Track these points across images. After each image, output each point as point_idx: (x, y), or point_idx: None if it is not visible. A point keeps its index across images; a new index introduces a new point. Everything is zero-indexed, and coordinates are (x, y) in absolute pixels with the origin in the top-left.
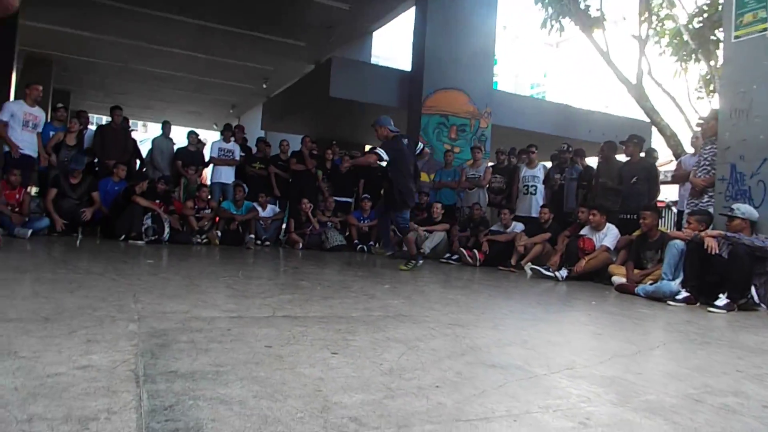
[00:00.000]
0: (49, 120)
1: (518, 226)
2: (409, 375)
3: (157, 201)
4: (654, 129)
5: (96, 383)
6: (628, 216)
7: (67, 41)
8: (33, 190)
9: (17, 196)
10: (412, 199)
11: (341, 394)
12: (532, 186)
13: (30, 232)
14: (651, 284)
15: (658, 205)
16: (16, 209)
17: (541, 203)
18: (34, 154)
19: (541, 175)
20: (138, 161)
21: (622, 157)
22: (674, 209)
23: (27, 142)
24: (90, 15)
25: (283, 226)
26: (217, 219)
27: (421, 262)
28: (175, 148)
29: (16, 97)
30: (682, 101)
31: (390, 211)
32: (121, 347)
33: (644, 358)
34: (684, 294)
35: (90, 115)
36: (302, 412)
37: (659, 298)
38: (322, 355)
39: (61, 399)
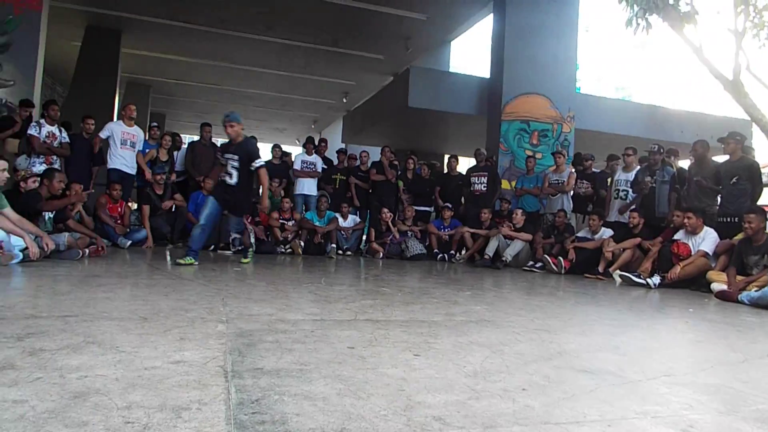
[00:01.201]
0: (146, 139)
1: (607, 232)
2: (494, 378)
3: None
4: (755, 127)
5: (188, 377)
6: (728, 219)
7: (163, 66)
8: (133, 205)
9: (119, 209)
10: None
11: (424, 394)
12: (623, 191)
13: (129, 242)
14: (756, 291)
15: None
16: (118, 221)
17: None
18: (133, 171)
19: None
20: None
21: (719, 158)
22: None
23: (125, 159)
24: (182, 40)
25: (364, 236)
26: (300, 230)
27: (251, 250)
28: None
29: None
30: None
31: (231, 214)
32: (211, 345)
33: (752, 367)
34: None
35: (182, 135)
36: (385, 410)
37: (766, 305)
38: (404, 357)
39: (157, 390)
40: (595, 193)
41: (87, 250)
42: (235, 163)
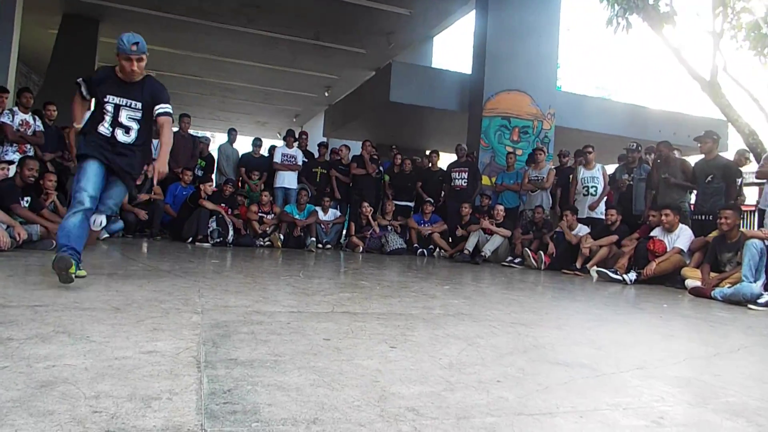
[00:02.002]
0: None
1: (583, 229)
2: (469, 370)
3: (223, 205)
4: (731, 127)
5: (160, 367)
6: (703, 217)
7: None
8: None
9: None
10: None
11: (399, 386)
12: (592, 187)
13: (105, 234)
14: (729, 287)
15: (743, 208)
16: None
17: (602, 204)
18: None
19: (600, 176)
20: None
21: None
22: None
23: None
24: (162, 30)
25: (344, 230)
26: (280, 223)
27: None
28: (240, 154)
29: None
30: (762, 98)
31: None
32: (185, 336)
33: (723, 361)
34: (767, 297)
35: None
36: (359, 401)
37: (738, 301)
38: (380, 349)
39: (127, 379)
40: (565, 190)
41: None
42: (137, 113)
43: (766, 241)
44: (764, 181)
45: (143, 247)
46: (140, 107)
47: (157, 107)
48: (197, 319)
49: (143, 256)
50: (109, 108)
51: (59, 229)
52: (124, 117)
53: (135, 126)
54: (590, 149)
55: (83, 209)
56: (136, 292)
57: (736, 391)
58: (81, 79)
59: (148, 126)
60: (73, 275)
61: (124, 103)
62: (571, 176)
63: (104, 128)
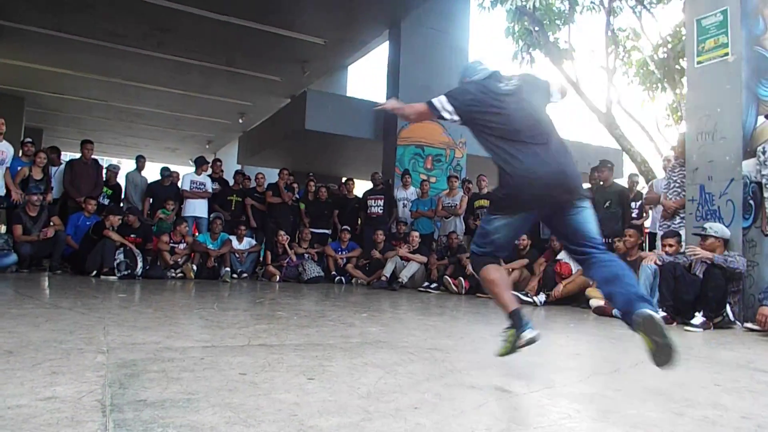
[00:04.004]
0: (19, 155)
1: None
2: (387, 398)
3: (132, 236)
4: (625, 156)
5: (60, 414)
6: (604, 240)
7: (41, 78)
8: (2, 227)
9: None
10: None
11: (317, 418)
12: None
13: None
14: None
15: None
16: None
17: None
18: (2, 191)
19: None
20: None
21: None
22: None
23: None
24: (64, 52)
25: (260, 259)
26: (192, 254)
27: None
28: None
29: None
30: (651, 129)
31: None
32: (88, 378)
33: (623, 376)
34: (660, 314)
35: (63, 152)
36: None
37: None
38: (298, 381)
39: (22, 430)
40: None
41: None
42: None
43: (657, 262)
44: (651, 206)
45: (41, 283)
46: None
47: None
48: (102, 359)
49: (41, 292)
50: None
51: None
52: None
53: None
54: (484, 178)
55: None
56: (31, 333)
57: (635, 405)
58: None
59: None
60: None
61: None
62: (476, 202)
63: None
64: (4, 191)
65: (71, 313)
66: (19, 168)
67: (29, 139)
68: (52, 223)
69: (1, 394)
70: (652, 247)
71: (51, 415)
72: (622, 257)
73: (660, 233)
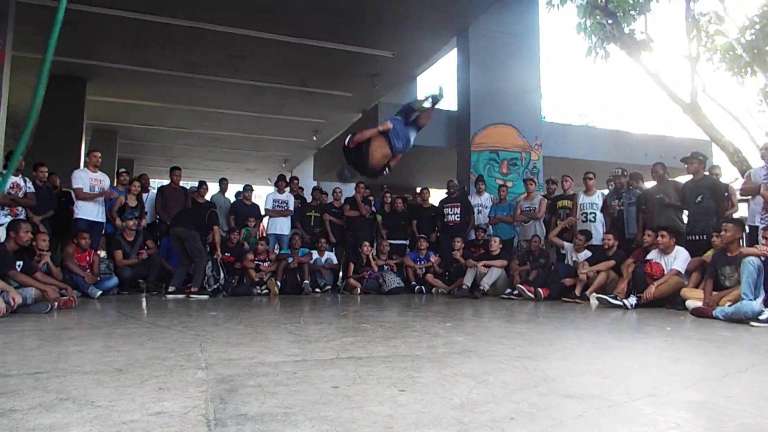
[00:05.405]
0: (115, 185)
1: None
2: (481, 408)
3: (227, 254)
4: (715, 147)
5: (169, 428)
6: (697, 237)
7: (130, 112)
8: (102, 253)
9: (87, 258)
10: None
11: (413, 430)
12: (591, 213)
13: (99, 292)
14: (730, 305)
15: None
16: (87, 270)
17: (601, 230)
18: (101, 219)
19: (599, 202)
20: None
21: (683, 178)
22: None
23: (94, 207)
24: (149, 85)
25: (340, 272)
26: (277, 269)
27: None
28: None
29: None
30: (743, 116)
31: None
32: (191, 394)
33: (733, 381)
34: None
35: (152, 179)
36: None
37: (740, 319)
38: (389, 393)
39: None
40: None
41: (56, 303)
42: None
43: (762, 257)
44: (749, 197)
45: (140, 303)
46: None
47: None
48: (202, 375)
49: (141, 312)
50: None
51: None
52: None
53: None
54: (591, 176)
55: None
56: (137, 351)
57: (750, 413)
58: None
59: None
60: None
61: None
62: (559, 203)
63: None
64: (105, 219)
65: (170, 332)
66: (114, 197)
67: (123, 169)
68: (147, 247)
69: (117, 409)
70: (752, 243)
71: (162, 430)
72: (722, 253)
73: (762, 226)
